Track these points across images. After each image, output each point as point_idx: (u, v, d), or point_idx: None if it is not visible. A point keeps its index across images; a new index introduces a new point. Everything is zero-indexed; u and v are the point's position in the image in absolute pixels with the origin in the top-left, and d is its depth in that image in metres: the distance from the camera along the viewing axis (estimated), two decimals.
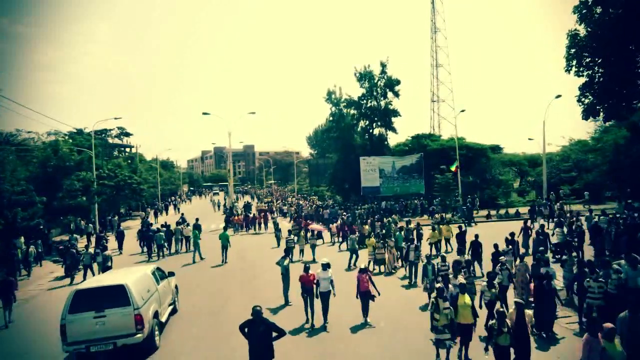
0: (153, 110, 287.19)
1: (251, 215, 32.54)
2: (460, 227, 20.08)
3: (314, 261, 19.17)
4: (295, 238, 20.41)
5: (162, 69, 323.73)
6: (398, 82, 40.18)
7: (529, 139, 50.80)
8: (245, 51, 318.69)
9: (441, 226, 21.24)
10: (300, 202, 44.41)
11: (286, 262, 13.47)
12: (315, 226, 27.14)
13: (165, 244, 22.74)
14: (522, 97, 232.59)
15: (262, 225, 31.36)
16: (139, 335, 9.48)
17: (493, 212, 34.41)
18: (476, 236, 16.58)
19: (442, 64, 63.61)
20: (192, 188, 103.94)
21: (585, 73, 18.83)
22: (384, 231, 20.92)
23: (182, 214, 36.50)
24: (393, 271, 17.32)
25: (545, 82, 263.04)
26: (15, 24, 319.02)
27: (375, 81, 40.70)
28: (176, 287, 13.70)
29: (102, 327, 9.27)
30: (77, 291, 9.57)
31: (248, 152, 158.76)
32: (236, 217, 31.89)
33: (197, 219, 24.70)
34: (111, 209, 40.79)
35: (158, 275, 12.07)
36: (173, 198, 70.77)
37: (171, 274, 13.42)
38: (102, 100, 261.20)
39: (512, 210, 34.73)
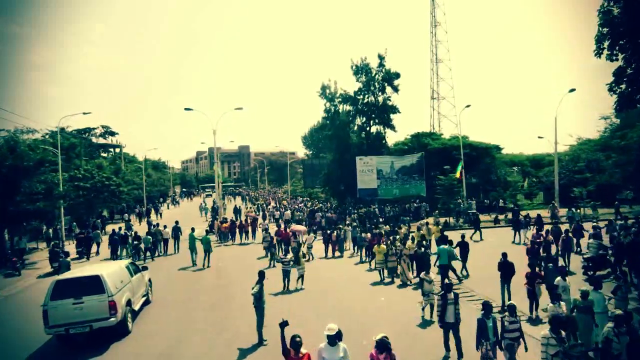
0: (150, 110, 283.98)
1: (238, 222, 28.31)
2: (441, 230, 19.73)
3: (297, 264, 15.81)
4: (290, 256, 15.57)
5: (158, 70, 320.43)
6: (397, 76, 37.19)
7: (539, 137, 47.64)
8: (241, 50, 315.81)
9: (431, 226, 21.77)
10: (298, 206, 41.18)
11: (255, 289, 10.40)
12: (297, 227, 24.53)
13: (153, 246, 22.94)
14: (524, 95, 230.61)
15: (250, 234, 27.38)
16: (112, 319, 10.66)
17: (501, 217, 31.62)
18: (462, 236, 16.30)
19: (442, 59, 60.76)
20: (184, 189, 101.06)
21: (620, 56, 15.93)
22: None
23: (149, 221, 33.69)
24: (408, 283, 15.40)
25: (549, 79, 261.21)
26: (10, 24, 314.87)
27: (373, 75, 37.68)
28: (149, 280, 14.70)
29: (80, 312, 10.41)
30: (58, 281, 10.72)
31: (243, 153, 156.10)
32: (223, 225, 27.26)
33: (176, 222, 24.90)
34: (88, 212, 37.76)
35: (132, 269, 13.22)
36: (161, 200, 67.69)
37: (144, 268, 14.64)
38: (97, 101, 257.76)
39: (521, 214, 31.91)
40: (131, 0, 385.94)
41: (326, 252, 21.55)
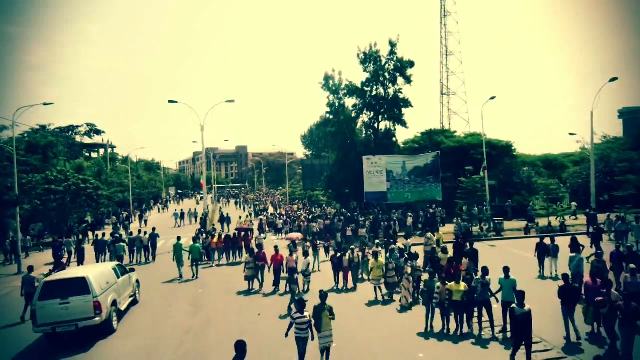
0: (148, 111, 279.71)
1: (232, 236, 22.40)
2: (457, 237, 18.70)
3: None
4: (307, 316, 8.82)
5: (156, 70, 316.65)
6: (411, 65, 32.86)
7: (570, 133, 44.05)
8: (239, 48, 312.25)
9: (435, 233, 19.94)
10: (296, 213, 36.77)
11: None
12: (294, 235, 20.97)
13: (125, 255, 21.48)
14: (529, 93, 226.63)
15: (244, 250, 21.11)
16: (97, 318, 11.13)
17: (531, 225, 27.47)
18: (471, 243, 15.59)
19: (452, 51, 56.55)
20: (179, 191, 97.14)
21: None
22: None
23: (125, 226, 31.50)
24: (409, 306, 12.93)
25: (553, 77, 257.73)
26: (7, 24, 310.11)
27: (383, 64, 33.43)
28: (137, 281, 15.02)
29: (66, 312, 10.91)
30: (46, 282, 11.31)
31: (241, 153, 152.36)
32: (214, 240, 21.66)
33: (153, 229, 23.49)
34: (61, 218, 33.52)
35: (119, 270, 13.56)
36: (152, 202, 63.57)
37: (132, 270, 15.21)
38: (95, 102, 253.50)
39: (552, 221, 27.85)
40: (126, 2, 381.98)
41: (336, 281, 15.70)
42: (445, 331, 10.94)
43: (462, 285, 10.76)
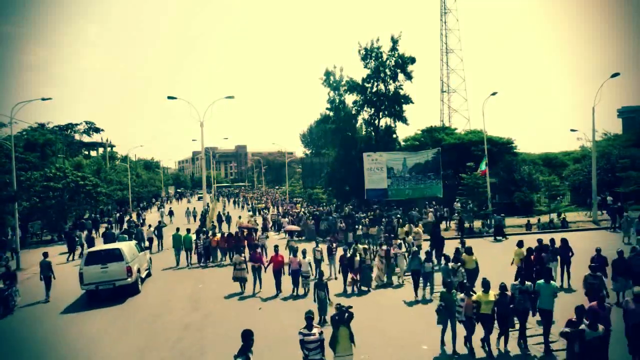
0: (148, 111, 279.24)
1: (233, 235, 20.90)
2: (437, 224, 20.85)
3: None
4: (316, 333, 7.26)
5: (155, 70, 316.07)
6: (413, 61, 32.68)
7: (572, 129, 44.11)
8: (238, 47, 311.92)
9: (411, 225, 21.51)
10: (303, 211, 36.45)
11: None
12: (292, 227, 21.18)
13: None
14: (537, 91, 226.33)
15: (247, 249, 19.23)
16: (129, 279, 14.55)
17: (533, 221, 27.35)
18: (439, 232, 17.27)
19: (453, 49, 56.41)
20: (178, 190, 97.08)
21: None
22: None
23: (125, 222, 32.09)
24: (382, 283, 14.89)
25: (556, 76, 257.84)
26: (5, 24, 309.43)
27: (384, 60, 33.24)
28: (150, 259, 18.57)
29: (106, 274, 14.27)
30: (89, 252, 15.03)
31: (240, 153, 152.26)
32: (215, 238, 20.39)
33: (159, 222, 26.28)
34: (60, 216, 33.29)
35: (138, 248, 17.33)
36: (153, 200, 63.45)
37: (147, 248, 20.89)
38: (95, 102, 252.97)
39: (552, 217, 27.68)
40: (125, 1, 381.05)
41: (345, 283, 14.38)
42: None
43: (492, 295, 9.03)
